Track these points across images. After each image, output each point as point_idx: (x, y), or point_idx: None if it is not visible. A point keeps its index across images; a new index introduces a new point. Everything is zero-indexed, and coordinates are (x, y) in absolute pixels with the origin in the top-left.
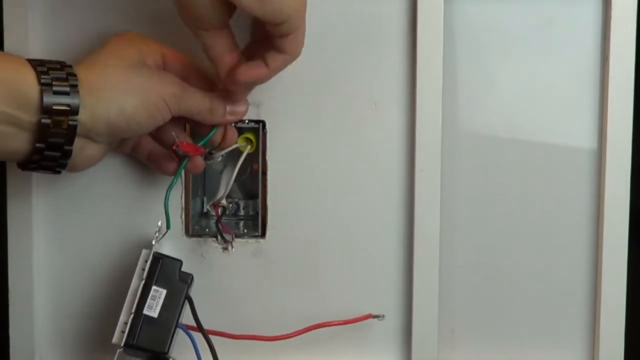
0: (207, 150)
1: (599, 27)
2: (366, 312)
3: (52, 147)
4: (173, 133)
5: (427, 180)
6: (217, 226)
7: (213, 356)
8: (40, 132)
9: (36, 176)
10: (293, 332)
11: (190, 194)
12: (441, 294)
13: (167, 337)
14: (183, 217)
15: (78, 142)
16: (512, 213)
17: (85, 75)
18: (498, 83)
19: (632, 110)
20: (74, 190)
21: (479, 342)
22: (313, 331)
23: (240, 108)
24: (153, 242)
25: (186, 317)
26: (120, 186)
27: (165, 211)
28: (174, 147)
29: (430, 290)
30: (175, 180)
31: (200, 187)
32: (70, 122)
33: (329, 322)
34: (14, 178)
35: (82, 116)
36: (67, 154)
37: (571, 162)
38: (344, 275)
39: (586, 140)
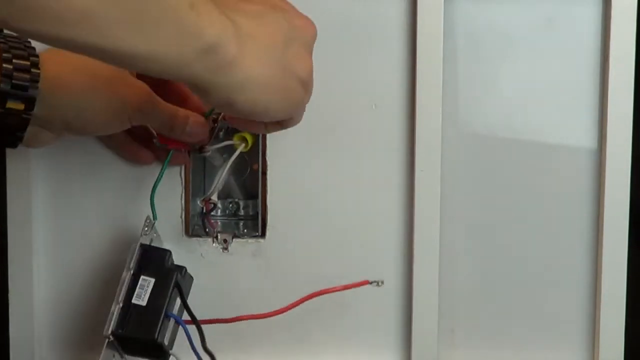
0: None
1: (599, 27)
2: (366, 312)
3: (3, 131)
4: (149, 126)
5: (427, 180)
6: (202, 221)
7: (202, 341)
8: None
9: (36, 176)
10: (287, 306)
11: (190, 194)
12: (441, 294)
13: (155, 324)
14: (183, 217)
15: (31, 129)
16: (512, 213)
17: (51, 68)
18: (498, 83)
19: (632, 110)
20: (74, 190)
21: (479, 342)
22: (313, 331)
23: (200, 131)
24: (141, 234)
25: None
26: (122, 186)
27: (151, 203)
28: (153, 140)
29: (430, 290)
30: (162, 174)
31: (200, 187)
32: (24, 116)
33: (327, 290)
34: (14, 178)
35: (38, 111)
36: (19, 138)
37: (571, 162)
38: (344, 275)
39: (586, 140)
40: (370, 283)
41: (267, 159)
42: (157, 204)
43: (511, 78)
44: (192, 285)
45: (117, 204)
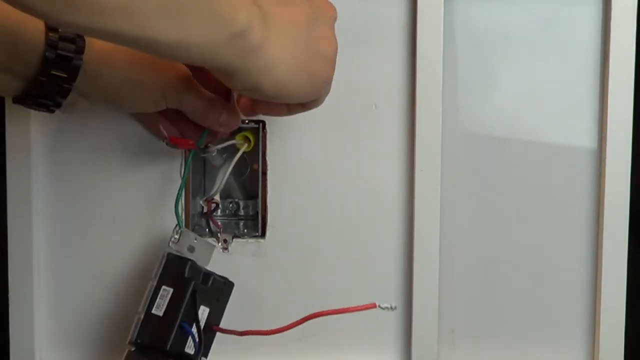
0: (203, 144)
1: (599, 27)
2: (366, 311)
3: (44, 96)
4: (160, 126)
5: (427, 180)
6: (206, 221)
7: (203, 353)
8: (34, 85)
9: (36, 174)
10: (290, 324)
11: (190, 194)
12: (441, 294)
13: (169, 334)
14: (183, 217)
15: (70, 97)
16: (512, 213)
17: (96, 41)
18: (498, 83)
19: (632, 110)
20: (74, 189)
21: (479, 342)
22: (314, 331)
23: (233, 121)
24: (169, 244)
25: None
26: (123, 184)
27: (176, 212)
28: (163, 140)
29: (430, 290)
30: (183, 183)
31: (200, 186)
32: (65, 85)
33: (327, 311)
34: (14, 176)
35: (80, 82)
36: (58, 104)
37: (571, 162)
38: (344, 275)
39: (586, 140)
40: (381, 307)
41: (267, 159)
42: (156, 203)
43: (511, 78)
44: (210, 283)
45: (119, 203)
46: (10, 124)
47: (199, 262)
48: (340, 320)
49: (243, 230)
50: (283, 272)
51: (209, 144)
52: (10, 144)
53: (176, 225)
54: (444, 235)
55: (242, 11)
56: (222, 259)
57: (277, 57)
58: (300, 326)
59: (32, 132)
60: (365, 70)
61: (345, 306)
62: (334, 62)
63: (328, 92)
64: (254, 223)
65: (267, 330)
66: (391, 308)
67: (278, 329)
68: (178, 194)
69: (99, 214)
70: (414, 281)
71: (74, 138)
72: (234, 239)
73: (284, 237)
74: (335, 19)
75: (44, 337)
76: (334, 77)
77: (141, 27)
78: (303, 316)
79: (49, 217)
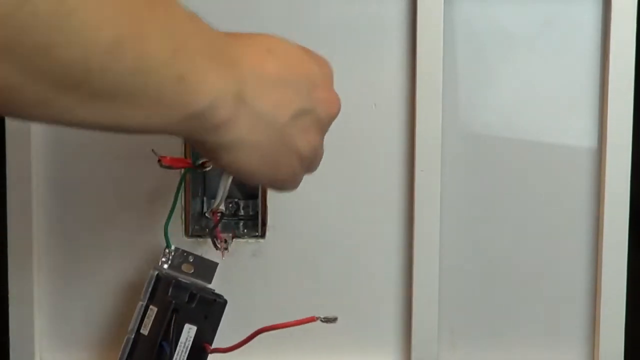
0: (199, 161)
1: (599, 27)
2: (366, 311)
3: None
4: (153, 150)
5: (427, 180)
6: (211, 233)
7: None
8: None
9: (36, 174)
10: (238, 343)
11: (190, 194)
12: (441, 294)
13: (151, 354)
14: (183, 217)
15: None
16: (512, 213)
17: None
18: (498, 83)
19: (632, 110)
20: (75, 189)
21: (479, 342)
22: (314, 332)
23: None
24: (159, 263)
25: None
26: (123, 184)
27: (165, 235)
28: (157, 161)
29: (430, 290)
30: (175, 201)
31: (200, 187)
32: None
33: (271, 326)
34: (14, 177)
35: None
36: None
37: (571, 162)
38: (344, 275)
39: (586, 139)
40: (322, 320)
41: None
42: (158, 204)
43: (511, 78)
44: (196, 302)
45: (119, 204)
46: (10, 124)
47: (200, 280)
48: (341, 321)
49: (243, 230)
50: (283, 273)
51: (206, 162)
52: (10, 145)
53: (165, 247)
54: (444, 235)
55: (204, 93)
56: (221, 260)
57: (241, 139)
58: (300, 326)
59: (32, 132)
60: (365, 70)
61: (346, 305)
62: (309, 161)
63: (295, 187)
64: (254, 223)
65: (222, 348)
66: (331, 320)
67: (230, 347)
68: (169, 216)
69: (99, 214)
70: (414, 281)
71: (74, 139)
72: (234, 239)
73: (284, 237)
74: (331, 117)
75: (44, 337)
76: (334, 76)
77: (74, 114)
78: (303, 316)
79: (49, 218)
